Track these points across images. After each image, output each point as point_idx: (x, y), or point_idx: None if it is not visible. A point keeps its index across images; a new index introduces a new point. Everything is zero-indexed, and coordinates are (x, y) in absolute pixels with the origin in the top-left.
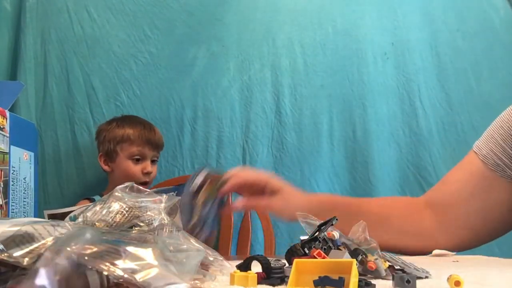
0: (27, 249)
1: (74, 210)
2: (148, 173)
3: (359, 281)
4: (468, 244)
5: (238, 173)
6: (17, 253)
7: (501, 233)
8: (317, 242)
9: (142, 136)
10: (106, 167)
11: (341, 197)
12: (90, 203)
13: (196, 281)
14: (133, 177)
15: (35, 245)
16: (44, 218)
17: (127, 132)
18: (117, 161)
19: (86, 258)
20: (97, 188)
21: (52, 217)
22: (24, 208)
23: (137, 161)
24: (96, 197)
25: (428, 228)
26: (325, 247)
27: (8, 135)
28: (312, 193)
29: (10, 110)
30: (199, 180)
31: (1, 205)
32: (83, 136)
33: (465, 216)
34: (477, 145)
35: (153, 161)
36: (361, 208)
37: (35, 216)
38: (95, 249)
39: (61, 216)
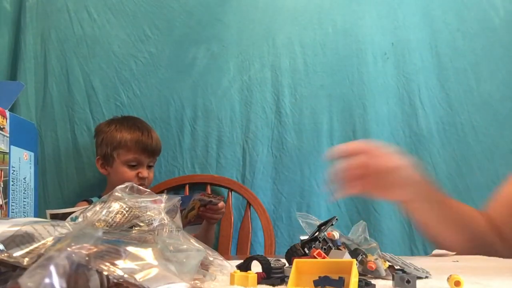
0: (27, 249)
1: (76, 211)
2: (143, 178)
3: (359, 281)
4: None
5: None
6: (17, 253)
7: None
8: (317, 242)
9: (138, 144)
10: (103, 170)
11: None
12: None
13: (196, 281)
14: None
15: (35, 245)
16: (46, 217)
17: (124, 138)
18: (113, 166)
19: (86, 258)
20: (97, 188)
21: (54, 217)
22: (24, 208)
23: (133, 166)
24: (95, 199)
25: (489, 237)
26: (325, 247)
27: (8, 135)
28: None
29: (10, 110)
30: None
31: (1, 205)
32: (83, 136)
33: None
34: None
35: (149, 166)
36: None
37: (35, 216)
38: (95, 249)
39: (63, 216)
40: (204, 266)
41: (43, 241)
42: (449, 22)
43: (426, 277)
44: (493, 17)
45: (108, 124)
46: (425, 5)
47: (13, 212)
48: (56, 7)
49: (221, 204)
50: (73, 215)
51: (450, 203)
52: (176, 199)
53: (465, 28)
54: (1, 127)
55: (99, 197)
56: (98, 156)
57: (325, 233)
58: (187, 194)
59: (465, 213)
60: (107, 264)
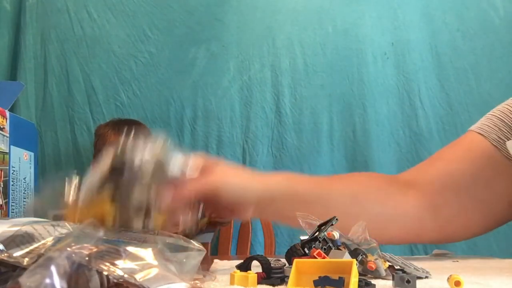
0: (27, 249)
1: None
2: None
3: (359, 281)
4: (459, 235)
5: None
6: (17, 253)
7: (495, 227)
8: (317, 242)
9: None
10: None
11: (302, 177)
12: None
13: (196, 281)
14: None
15: (35, 245)
16: (49, 219)
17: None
18: None
19: (86, 258)
20: None
21: (57, 218)
22: (24, 208)
23: None
24: None
25: (414, 213)
26: (325, 247)
27: (8, 135)
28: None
29: (10, 110)
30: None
31: (1, 205)
32: (83, 136)
33: (464, 202)
34: (477, 126)
35: None
36: (323, 189)
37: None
38: (95, 249)
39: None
40: (202, 265)
41: (43, 241)
42: (449, 22)
43: (426, 277)
44: (493, 17)
45: (105, 129)
46: (425, 5)
47: (13, 212)
48: (56, 7)
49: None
50: None
51: (320, 189)
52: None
53: (465, 28)
54: (1, 127)
55: None
56: (93, 159)
57: (325, 233)
58: None
59: (352, 188)
60: (107, 264)
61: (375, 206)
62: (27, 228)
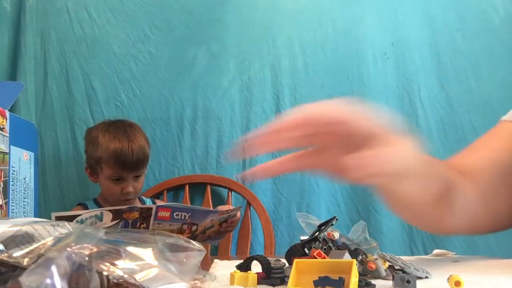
0: (27, 249)
1: (82, 214)
2: (128, 193)
3: (359, 281)
4: (507, 222)
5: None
6: (17, 253)
7: None
8: (317, 242)
9: (117, 159)
10: (92, 179)
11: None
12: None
13: (196, 281)
14: (114, 197)
15: (35, 245)
16: (49, 219)
17: (103, 154)
18: (99, 178)
19: (86, 258)
20: (97, 188)
21: (60, 219)
22: (24, 208)
23: (117, 180)
24: (89, 203)
25: (472, 203)
26: (325, 247)
27: (8, 135)
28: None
29: (10, 110)
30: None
31: (1, 205)
32: (83, 136)
33: (506, 188)
34: (510, 115)
35: (136, 177)
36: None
37: (35, 216)
38: (95, 249)
39: (69, 219)
40: (202, 265)
41: (43, 241)
42: (449, 22)
43: (426, 277)
44: (493, 17)
45: (93, 133)
46: (425, 5)
47: (13, 212)
48: (56, 7)
49: (238, 214)
50: (78, 218)
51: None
52: None
53: (465, 28)
54: (1, 127)
55: (94, 201)
56: (86, 165)
57: (325, 233)
58: (187, 195)
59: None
60: (107, 264)
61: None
62: (27, 228)
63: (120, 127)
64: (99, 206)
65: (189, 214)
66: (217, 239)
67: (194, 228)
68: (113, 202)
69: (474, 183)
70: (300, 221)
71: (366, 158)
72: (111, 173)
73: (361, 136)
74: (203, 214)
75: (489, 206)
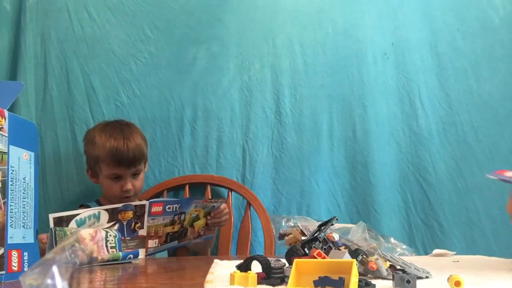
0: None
1: (79, 214)
2: (127, 191)
3: (359, 281)
4: None
5: None
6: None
7: None
8: (317, 242)
9: (114, 158)
10: (93, 180)
11: None
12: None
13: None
14: (114, 195)
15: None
16: (48, 221)
17: (100, 153)
18: (100, 179)
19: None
20: (97, 188)
21: (58, 220)
22: (24, 208)
23: (116, 178)
24: (92, 204)
25: None
26: (325, 247)
27: (6, 134)
28: None
29: (10, 110)
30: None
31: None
32: (83, 136)
33: None
34: None
35: (135, 174)
36: None
37: (35, 216)
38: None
39: (67, 219)
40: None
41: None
42: (449, 22)
43: (426, 277)
44: (493, 17)
45: (91, 135)
46: (425, 5)
47: (12, 212)
48: (56, 7)
49: (223, 206)
50: (77, 218)
51: None
52: None
53: (465, 28)
54: (0, 126)
55: (97, 201)
56: (87, 167)
57: (325, 233)
58: (187, 195)
59: None
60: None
61: None
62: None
63: (117, 127)
64: None
65: (179, 205)
66: (208, 237)
67: (182, 217)
68: (114, 202)
69: None
70: (299, 224)
71: None
72: (109, 171)
73: None
74: (188, 201)
75: None
